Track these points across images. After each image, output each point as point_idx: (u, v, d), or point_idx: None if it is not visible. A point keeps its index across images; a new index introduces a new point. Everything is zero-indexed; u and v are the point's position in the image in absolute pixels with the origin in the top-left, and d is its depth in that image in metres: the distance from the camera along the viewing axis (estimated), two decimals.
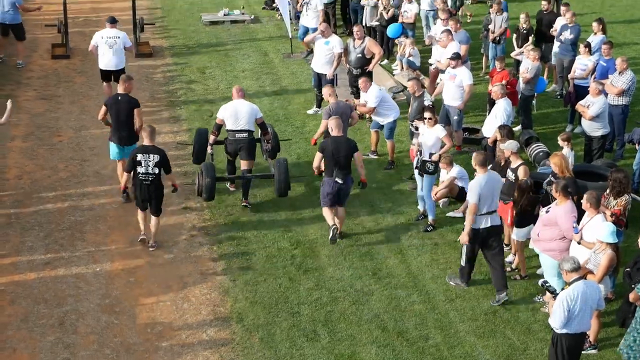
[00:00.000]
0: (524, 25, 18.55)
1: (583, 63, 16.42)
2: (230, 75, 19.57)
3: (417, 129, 14.15)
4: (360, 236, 13.05)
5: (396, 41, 20.19)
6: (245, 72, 19.58)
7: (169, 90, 18.67)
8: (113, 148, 13.81)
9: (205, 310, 11.21)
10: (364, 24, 20.90)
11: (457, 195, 13.97)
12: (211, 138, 14.01)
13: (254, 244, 12.77)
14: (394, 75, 19.46)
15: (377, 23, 20.44)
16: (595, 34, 17.57)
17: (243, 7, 24.64)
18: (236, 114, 13.63)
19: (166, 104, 17.89)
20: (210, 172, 13.34)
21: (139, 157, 12.26)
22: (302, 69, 19.92)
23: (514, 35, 18.84)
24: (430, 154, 13.13)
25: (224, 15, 23.79)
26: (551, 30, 18.45)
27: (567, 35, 17.68)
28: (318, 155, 12.70)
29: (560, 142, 13.51)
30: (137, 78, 19.08)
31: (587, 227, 10.52)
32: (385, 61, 20.38)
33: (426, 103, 14.24)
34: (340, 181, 12.53)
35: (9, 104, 13.95)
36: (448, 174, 13.90)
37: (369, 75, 16.40)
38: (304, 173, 14.64)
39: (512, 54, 18.48)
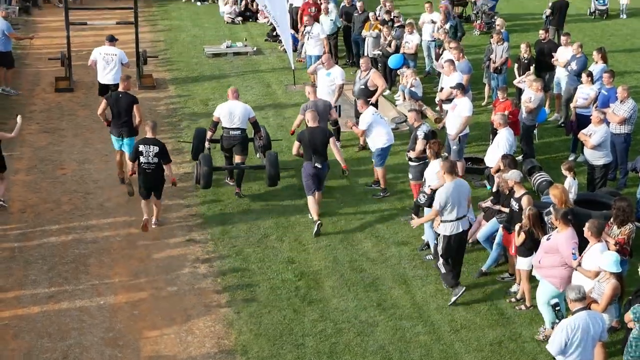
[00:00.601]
0: (525, 55, 18.64)
1: (585, 92, 16.47)
2: None
3: (410, 159, 14.27)
4: (364, 267, 13.02)
5: (398, 72, 20.27)
6: (248, 104, 19.56)
7: (172, 123, 18.73)
8: (113, 140, 15.25)
9: (209, 343, 11.16)
10: (365, 55, 21.03)
11: None
12: (208, 134, 15.30)
13: (257, 276, 12.74)
14: (396, 105, 19.52)
15: (380, 53, 20.52)
16: (596, 63, 17.64)
17: (245, 39, 24.80)
18: (231, 113, 14.95)
19: (169, 136, 17.93)
20: (207, 161, 14.75)
21: (141, 147, 13.67)
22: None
23: (515, 65, 18.93)
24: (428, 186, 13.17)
25: (227, 47, 23.94)
26: (553, 59, 18.52)
27: (573, 66, 17.76)
28: (296, 144, 14.25)
29: (563, 172, 13.52)
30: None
31: (587, 255, 10.53)
32: (388, 92, 20.45)
33: (418, 133, 14.23)
34: (319, 165, 14.04)
35: (18, 119, 14.79)
36: None
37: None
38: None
39: (515, 82, 18.56)
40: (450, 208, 11.80)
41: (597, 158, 14.59)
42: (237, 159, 15.29)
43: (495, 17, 25.45)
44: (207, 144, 15.40)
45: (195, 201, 15.05)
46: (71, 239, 13.68)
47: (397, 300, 12.14)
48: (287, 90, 20.91)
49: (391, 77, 20.67)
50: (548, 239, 10.91)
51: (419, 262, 13.14)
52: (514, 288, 12.33)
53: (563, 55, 18.39)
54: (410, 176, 14.40)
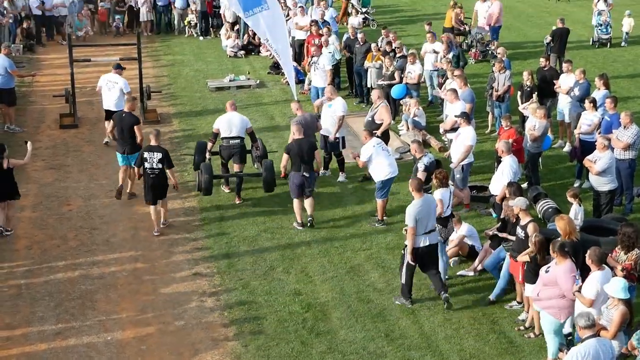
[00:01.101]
0: (527, 83, 18.71)
1: (589, 118, 16.48)
2: None
3: None
4: (371, 297, 12.98)
5: (401, 102, 20.33)
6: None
7: (176, 157, 18.74)
8: (118, 157, 16.50)
9: None
10: (368, 86, 21.17)
11: (467, 254, 13.96)
12: (209, 145, 16.48)
13: (264, 308, 12.71)
14: (400, 135, 19.56)
15: (385, 83, 20.57)
16: (599, 89, 17.69)
17: (249, 73, 24.91)
18: (230, 123, 16.14)
19: (176, 170, 17.93)
20: (208, 170, 15.86)
21: (146, 154, 14.83)
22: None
23: (518, 93, 18.98)
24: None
25: (230, 81, 24.04)
26: (555, 87, 18.58)
27: (576, 92, 17.83)
28: (285, 156, 15.18)
29: (568, 199, 13.52)
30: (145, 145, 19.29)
31: (586, 282, 10.54)
32: (392, 122, 20.49)
33: (419, 165, 14.24)
34: (307, 174, 15.01)
35: (29, 145, 15.45)
36: (457, 232, 13.92)
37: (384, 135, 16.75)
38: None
39: (519, 108, 18.59)
40: (421, 224, 12.32)
41: (602, 184, 14.59)
42: (236, 167, 16.31)
43: (490, 46, 25.64)
44: (207, 155, 16.44)
45: (201, 234, 15.05)
46: (78, 275, 13.67)
47: (405, 331, 12.09)
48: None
49: (395, 107, 20.72)
50: (546, 271, 10.90)
51: (426, 291, 13.10)
52: (522, 316, 12.29)
53: (565, 82, 18.46)
54: None
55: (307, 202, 15.21)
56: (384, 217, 15.41)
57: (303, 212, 15.24)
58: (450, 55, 21.20)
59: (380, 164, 15.16)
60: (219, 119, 16.40)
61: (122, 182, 16.18)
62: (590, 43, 28.24)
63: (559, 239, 11.47)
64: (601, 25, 28.15)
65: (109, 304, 12.86)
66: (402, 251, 12.76)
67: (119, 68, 19.09)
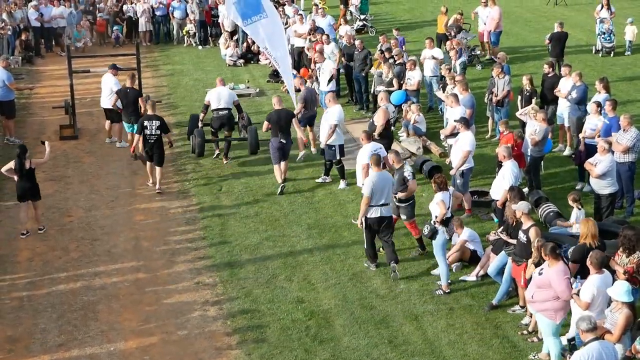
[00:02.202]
0: (527, 88, 18.70)
1: (593, 122, 16.44)
2: (237, 149, 19.68)
3: (399, 200, 14.22)
4: (374, 304, 12.97)
5: (402, 107, 20.31)
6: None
7: (177, 165, 18.78)
8: (125, 126, 18.98)
9: None
10: (370, 92, 21.22)
11: (469, 259, 13.94)
12: (201, 115, 18.86)
13: (267, 317, 12.70)
14: (400, 141, 19.55)
15: (384, 89, 20.59)
16: (599, 93, 17.69)
17: (248, 81, 24.92)
18: (219, 97, 18.61)
19: (175, 180, 17.98)
20: (200, 134, 18.52)
21: (146, 123, 16.99)
22: None
23: (518, 98, 18.96)
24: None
25: (230, 89, 24.00)
26: (555, 91, 18.58)
27: (573, 94, 17.85)
28: (265, 123, 17.20)
29: (570, 203, 13.51)
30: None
31: (584, 285, 10.56)
32: (392, 128, 20.49)
33: (406, 174, 14.21)
34: (283, 140, 16.97)
35: (47, 145, 15.95)
36: (459, 237, 13.91)
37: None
38: (314, 241, 14.67)
39: (517, 114, 18.57)
40: (375, 196, 13.37)
41: (603, 187, 14.59)
42: (225, 134, 18.97)
43: (476, 51, 25.72)
44: (199, 124, 18.74)
45: (203, 244, 15.05)
46: (80, 286, 13.66)
47: (408, 337, 12.08)
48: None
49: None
50: (540, 274, 10.90)
51: (429, 297, 13.09)
52: (525, 320, 12.27)
53: (564, 86, 18.46)
54: (403, 217, 14.41)
55: (283, 166, 17.22)
56: None
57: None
58: (459, 61, 21.21)
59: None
60: (209, 92, 19.02)
61: (134, 146, 18.02)
62: (593, 52, 27.61)
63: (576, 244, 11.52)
64: (604, 33, 27.38)
65: (112, 314, 12.85)
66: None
67: (113, 68, 19.89)
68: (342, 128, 17.60)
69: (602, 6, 27.93)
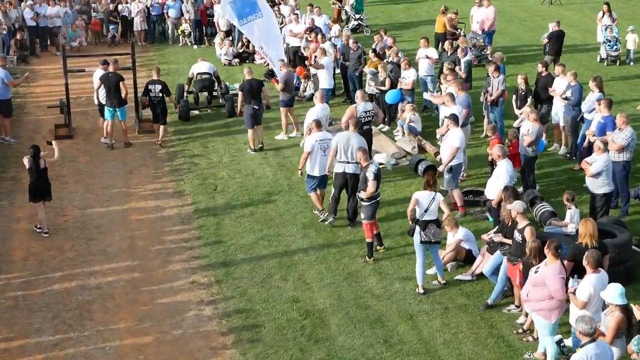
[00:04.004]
0: (522, 87, 18.72)
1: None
2: (233, 148, 19.70)
3: (361, 199, 14.20)
4: (369, 303, 12.97)
5: (398, 106, 20.30)
6: (247, 145, 19.68)
7: (172, 166, 18.77)
8: (106, 111, 19.65)
9: None
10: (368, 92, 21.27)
11: (464, 258, 13.95)
12: (186, 86, 22.46)
13: (262, 316, 12.69)
14: (395, 141, 19.56)
15: (377, 91, 20.65)
16: (593, 92, 17.70)
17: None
18: (200, 67, 22.39)
19: (170, 179, 17.97)
20: (186, 103, 21.73)
21: (150, 86, 19.69)
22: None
23: (513, 97, 18.98)
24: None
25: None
26: (549, 91, 18.58)
27: (569, 94, 17.86)
28: (240, 93, 19.39)
29: (564, 202, 13.52)
30: (142, 154, 19.36)
31: (580, 285, 10.57)
32: (387, 127, 20.53)
33: (367, 174, 14.10)
34: (256, 107, 19.13)
35: (54, 144, 16.12)
36: (454, 236, 13.92)
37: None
38: (313, 247, 14.69)
39: (514, 124, 18.34)
40: (340, 152, 15.00)
41: (597, 187, 14.59)
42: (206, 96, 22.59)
43: (485, 50, 25.62)
44: (185, 94, 22.20)
45: (198, 243, 15.04)
46: (75, 286, 13.65)
47: (403, 336, 12.08)
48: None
49: (389, 113, 20.74)
50: (536, 272, 10.91)
51: (424, 296, 13.10)
52: (520, 320, 12.28)
53: (559, 85, 18.48)
54: (362, 216, 14.31)
55: (259, 131, 19.35)
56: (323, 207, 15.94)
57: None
58: (464, 59, 21.18)
59: (313, 160, 15.56)
60: (193, 65, 22.77)
61: (109, 136, 19.71)
62: (598, 61, 26.44)
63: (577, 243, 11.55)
64: (609, 41, 26.00)
65: (107, 314, 12.84)
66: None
67: (104, 64, 20.27)
68: (325, 125, 17.29)
69: (604, 13, 26.94)
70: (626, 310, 9.97)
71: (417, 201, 13.10)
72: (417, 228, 13.05)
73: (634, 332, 10.02)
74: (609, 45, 26.11)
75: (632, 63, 26.11)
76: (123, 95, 19.51)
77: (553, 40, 24.04)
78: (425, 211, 13.04)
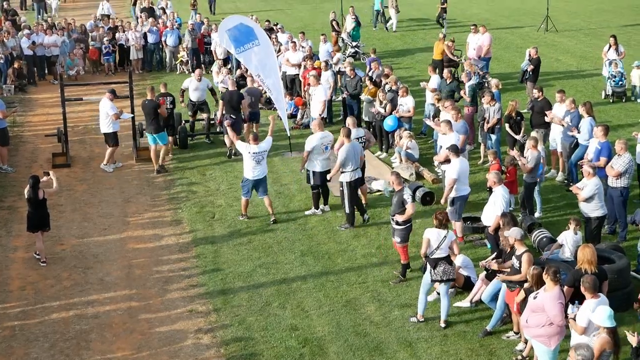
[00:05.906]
0: (513, 114, 18.77)
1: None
2: (230, 176, 19.70)
3: (397, 223, 14.26)
4: (368, 331, 12.93)
5: (396, 134, 20.35)
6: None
7: (170, 194, 18.76)
8: (148, 137, 20.25)
9: None
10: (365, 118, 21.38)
11: (462, 285, 13.92)
12: (180, 99, 22.51)
13: (261, 345, 12.64)
14: (393, 168, 19.57)
15: (371, 120, 20.74)
16: (584, 117, 17.72)
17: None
18: (195, 86, 22.48)
19: (168, 207, 17.96)
20: (183, 130, 21.97)
21: (161, 99, 20.50)
22: None
23: (507, 125, 18.96)
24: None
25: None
26: (549, 116, 18.58)
27: (568, 121, 17.92)
28: (221, 102, 20.91)
29: (570, 223, 13.50)
30: (139, 182, 19.32)
31: (580, 310, 10.56)
32: (384, 154, 20.55)
33: (405, 197, 14.21)
34: (234, 117, 20.25)
35: (52, 174, 15.84)
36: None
37: None
38: (311, 269, 14.65)
39: (513, 153, 18.28)
40: (349, 163, 16.11)
41: (591, 210, 14.60)
42: (204, 115, 22.56)
43: (487, 77, 25.68)
44: (182, 105, 22.66)
45: (196, 271, 15.01)
46: (72, 315, 13.60)
47: None
48: (284, 157, 21.01)
49: (387, 140, 20.77)
50: (535, 298, 10.89)
51: (423, 323, 13.05)
52: (519, 346, 12.23)
53: (558, 112, 18.54)
54: (397, 239, 14.37)
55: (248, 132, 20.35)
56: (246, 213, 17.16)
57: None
58: (469, 84, 21.22)
59: (246, 166, 16.84)
60: (184, 81, 23.06)
61: (155, 161, 20.04)
62: (603, 97, 25.34)
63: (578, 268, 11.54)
64: (614, 76, 25.03)
65: (104, 343, 12.78)
66: (340, 188, 16.06)
67: (111, 93, 20.38)
68: (320, 154, 17.15)
69: (610, 46, 25.80)
70: (613, 333, 9.96)
71: (428, 241, 13.04)
72: (428, 266, 12.98)
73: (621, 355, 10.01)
74: (614, 81, 25.14)
75: (638, 100, 25.09)
76: (161, 121, 20.17)
77: (537, 67, 24.32)
78: (436, 249, 12.94)
